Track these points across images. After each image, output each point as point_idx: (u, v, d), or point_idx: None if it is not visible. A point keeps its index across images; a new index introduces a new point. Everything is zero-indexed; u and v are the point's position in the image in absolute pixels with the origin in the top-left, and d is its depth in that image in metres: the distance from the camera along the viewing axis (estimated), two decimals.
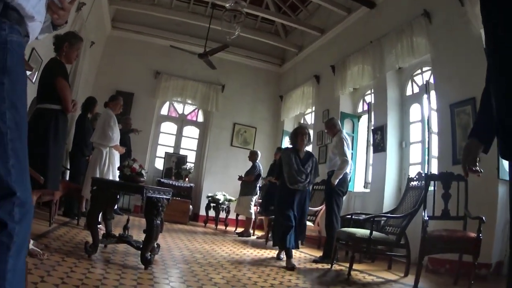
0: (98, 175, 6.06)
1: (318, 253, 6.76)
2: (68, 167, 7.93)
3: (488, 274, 5.03)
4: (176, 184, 10.60)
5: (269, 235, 7.87)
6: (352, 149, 8.42)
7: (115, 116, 6.48)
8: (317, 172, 6.21)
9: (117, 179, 6.06)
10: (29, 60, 6.05)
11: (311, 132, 11.00)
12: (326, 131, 7.50)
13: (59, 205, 7.09)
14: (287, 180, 5.92)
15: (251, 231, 9.25)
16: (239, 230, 9.61)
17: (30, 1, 1.47)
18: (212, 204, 10.41)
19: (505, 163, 5.20)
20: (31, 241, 3.38)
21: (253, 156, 9.85)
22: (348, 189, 6.96)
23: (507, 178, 5.34)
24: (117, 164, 6.25)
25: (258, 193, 9.66)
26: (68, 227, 6.11)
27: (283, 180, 6.00)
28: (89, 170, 6.34)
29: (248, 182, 9.51)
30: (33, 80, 6.20)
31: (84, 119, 7.42)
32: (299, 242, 6.13)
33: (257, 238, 9.03)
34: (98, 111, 7.65)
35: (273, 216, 6.67)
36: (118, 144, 6.55)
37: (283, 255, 5.99)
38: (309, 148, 6.60)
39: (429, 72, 7.31)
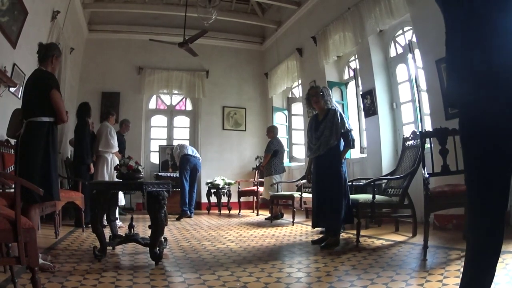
0: (107, 179, 7.01)
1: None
2: (65, 175, 8.01)
3: None
4: (174, 176, 10.51)
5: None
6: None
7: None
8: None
9: None
10: (12, 76, 5.98)
11: (299, 104, 11.04)
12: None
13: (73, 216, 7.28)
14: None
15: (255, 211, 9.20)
16: (242, 212, 9.64)
17: None
18: (212, 190, 10.40)
19: None
20: (40, 255, 3.37)
21: (269, 133, 9.18)
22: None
23: None
24: None
25: (284, 170, 8.98)
26: (76, 233, 6.15)
27: None
28: (98, 177, 7.06)
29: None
30: (19, 96, 6.14)
31: (86, 125, 7.22)
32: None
33: (265, 219, 8.59)
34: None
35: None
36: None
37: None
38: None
39: (411, 31, 7.28)
